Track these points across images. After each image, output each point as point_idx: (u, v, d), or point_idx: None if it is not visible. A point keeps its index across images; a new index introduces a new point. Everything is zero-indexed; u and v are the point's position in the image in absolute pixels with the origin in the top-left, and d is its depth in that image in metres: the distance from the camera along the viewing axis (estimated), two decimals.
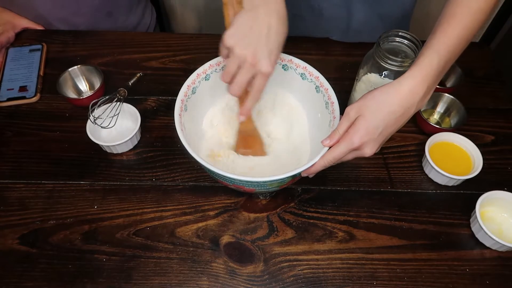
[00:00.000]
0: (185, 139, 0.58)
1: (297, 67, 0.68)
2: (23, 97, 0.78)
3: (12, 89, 0.79)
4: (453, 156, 0.72)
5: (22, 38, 0.91)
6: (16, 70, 0.83)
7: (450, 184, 0.70)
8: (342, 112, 0.61)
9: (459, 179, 0.69)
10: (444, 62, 0.54)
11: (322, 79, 0.65)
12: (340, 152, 0.55)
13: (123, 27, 1.01)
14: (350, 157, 0.57)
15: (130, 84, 0.82)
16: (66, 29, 0.93)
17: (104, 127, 0.73)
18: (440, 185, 0.71)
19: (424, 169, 0.73)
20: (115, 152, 0.73)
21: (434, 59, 0.54)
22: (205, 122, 0.72)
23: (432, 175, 0.71)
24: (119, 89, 0.79)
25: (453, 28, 0.55)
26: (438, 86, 0.80)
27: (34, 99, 0.79)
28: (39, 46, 0.87)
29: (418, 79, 0.54)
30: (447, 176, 0.68)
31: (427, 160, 0.69)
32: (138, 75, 0.84)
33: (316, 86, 0.66)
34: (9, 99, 0.78)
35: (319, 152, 0.57)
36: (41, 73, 0.83)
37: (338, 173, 0.72)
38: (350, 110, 0.56)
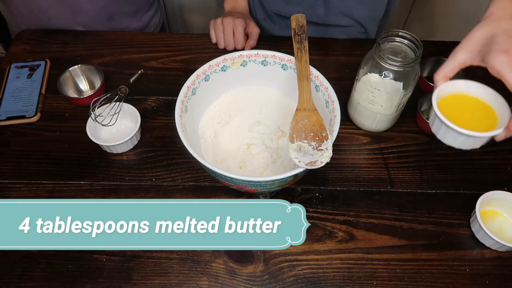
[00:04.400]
0: (187, 140, 0.58)
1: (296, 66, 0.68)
2: (23, 117, 0.77)
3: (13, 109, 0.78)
4: (469, 110, 0.56)
5: (22, 38, 0.91)
6: (17, 89, 0.81)
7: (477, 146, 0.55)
8: (342, 112, 0.61)
9: (484, 137, 0.53)
10: None
11: (321, 78, 0.65)
12: None
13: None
14: None
15: (131, 81, 0.82)
16: (65, 29, 0.93)
17: (105, 125, 0.73)
18: (440, 185, 0.71)
19: (436, 134, 0.56)
20: (115, 152, 0.73)
21: None
22: (206, 122, 0.72)
23: (447, 139, 0.55)
24: (120, 86, 0.79)
25: None
26: None
27: (34, 119, 0.77)
28: (42, 63, 0.85)
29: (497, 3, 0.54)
30: (471, 135, 0.52)
31: (437, 117, 0.52)
32: (140, 71, 0.84)
33: (316, 85, 0.66)
34: (8, 118, 0.77)
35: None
36: (43, 91, 0.81)
37: (338, 173, 0.72)
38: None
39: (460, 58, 0.54)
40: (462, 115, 0.55)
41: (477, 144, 0.55)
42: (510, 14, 0.53)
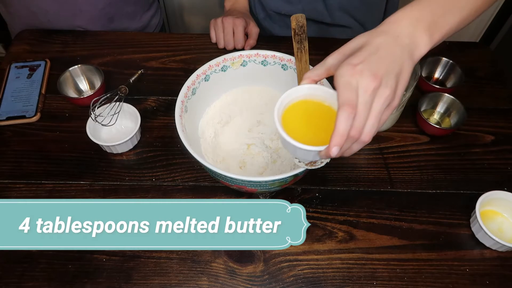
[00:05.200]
0: (187, 140, 0.58)
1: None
2: (23, 117, 0.77)
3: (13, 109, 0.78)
4: (321, 119, 0.50)
5: (22, 38, 0.91)
6: (17, 89, 0.80)
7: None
8: None
9: (309, 150, 0.46)
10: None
11: None
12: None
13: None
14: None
15: (131, 81, 0.82)
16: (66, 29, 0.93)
17: (105, 125, 0.73)
18: (440, 185, 0.71)
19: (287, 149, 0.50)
20: (115, 152, 0.73)
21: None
22: (206, 122, 0.72)
23: (285, 146, 0.49)
24: (120, 86, 0.79)
25: None
26: (438, 86, 0.80)
27: (34, 119, 0.77)
28: (42, 63, 0.85)
29: (397, 15, 0.48)
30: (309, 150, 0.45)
31: (281, 134, 0.46)
32: (140, 71, 0.84)
33: None
34: (8, 118, 0.76)
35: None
36: (43, 91, 0.81)
37: (338, 173, 0.72)
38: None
39: (328, 63, 0.49)
40: (310, 122, 0.49)
41: (310, 158, 0.48)
42: (397, 33, 0.48)
